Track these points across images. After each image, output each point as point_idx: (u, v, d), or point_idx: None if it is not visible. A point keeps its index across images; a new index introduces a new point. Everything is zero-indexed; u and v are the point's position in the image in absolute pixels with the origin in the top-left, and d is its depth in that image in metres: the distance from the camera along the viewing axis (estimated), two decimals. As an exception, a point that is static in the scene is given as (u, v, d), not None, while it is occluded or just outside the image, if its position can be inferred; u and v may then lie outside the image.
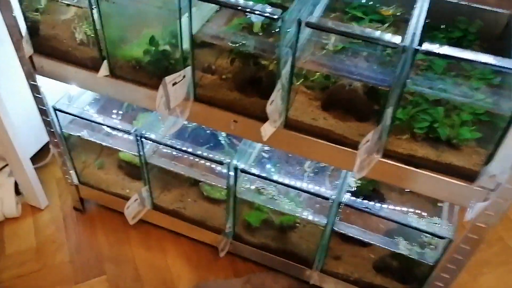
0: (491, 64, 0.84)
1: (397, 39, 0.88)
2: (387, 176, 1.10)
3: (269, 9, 0.94)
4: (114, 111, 1.62)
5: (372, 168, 1.07)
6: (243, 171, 1.32)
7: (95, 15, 1.13)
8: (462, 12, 1.17)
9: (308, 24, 0.92)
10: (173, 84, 1.11)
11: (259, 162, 1.44)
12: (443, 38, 1.14)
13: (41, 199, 1.77)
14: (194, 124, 1.57)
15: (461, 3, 1.13)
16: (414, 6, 1.03)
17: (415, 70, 0.92)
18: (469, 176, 1.01)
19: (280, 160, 1.47)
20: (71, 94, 1.52)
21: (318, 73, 1.12)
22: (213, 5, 1.09)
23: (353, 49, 1.03)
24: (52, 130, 1.52)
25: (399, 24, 1.16)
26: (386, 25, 1.15)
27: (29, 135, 1.69)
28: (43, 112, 1.47)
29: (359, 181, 1.36)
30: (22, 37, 1.28)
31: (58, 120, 1.49)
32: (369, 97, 1.06)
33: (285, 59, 1.01)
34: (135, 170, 1.62)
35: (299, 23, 0.92)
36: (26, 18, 1.25)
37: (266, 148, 1.48)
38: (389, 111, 0.99)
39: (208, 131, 1.58)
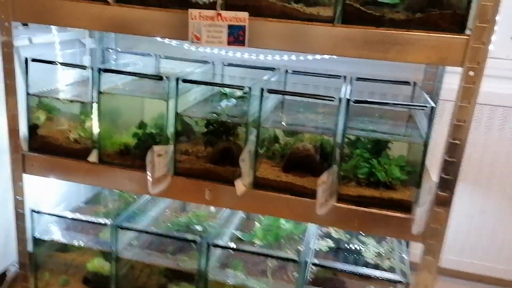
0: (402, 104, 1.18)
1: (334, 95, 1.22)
2: (342, 221, 1.29)
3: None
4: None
5: (329, 215, 1.27)
6: (215, 245, 1.43)
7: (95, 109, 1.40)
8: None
9: (270, 91, 1.26)
10: (158, 156, 1.33)
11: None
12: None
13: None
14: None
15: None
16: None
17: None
18: (407, 207, 1.24)
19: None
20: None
21: (277, 144, 1.40)
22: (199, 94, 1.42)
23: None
24: (23, 237, 1.57)
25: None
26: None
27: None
28: (19, 217, 1.56)
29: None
30: (20, 139, 1.48)
31: (32, 224, 1.56)
32: (320, 154, 1.33)
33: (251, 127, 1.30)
34: (103, 282, 1.63)
35: (262, 90, 1.25)
36: (29, 122, 1.48)
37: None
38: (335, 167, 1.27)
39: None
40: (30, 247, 1.61)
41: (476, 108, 1.79)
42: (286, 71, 1.67)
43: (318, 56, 1.72)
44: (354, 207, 1.27)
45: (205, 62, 1.71)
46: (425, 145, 1.19)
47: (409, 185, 1.29)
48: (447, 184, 1.16)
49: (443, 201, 1.18)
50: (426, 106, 1.17)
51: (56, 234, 1.64)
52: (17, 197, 1.54)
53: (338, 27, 1.15)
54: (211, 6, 1.22)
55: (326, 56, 1.69)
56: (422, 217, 1.17)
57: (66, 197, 1.81)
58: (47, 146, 1.48)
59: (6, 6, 1.35)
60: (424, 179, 1.24)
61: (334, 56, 1.58)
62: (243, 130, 1.33)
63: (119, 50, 1.90)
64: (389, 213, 1.25)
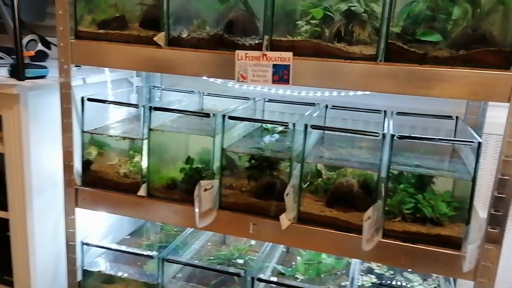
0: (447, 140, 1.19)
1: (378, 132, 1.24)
2: (389, 258, 1.28)
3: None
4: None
5: (375, 251, 1.27)
6: (259, 279, 1.44)
7: (144, 145, 1.46)
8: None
9: (313, 127, 1.29)
10: (205, 190, 1.37)
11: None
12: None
13: None
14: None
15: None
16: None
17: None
18: (456, 244, 1.22)
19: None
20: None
21: (320, 179, 1.42)
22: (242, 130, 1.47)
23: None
24: (73, 268, 1.63)
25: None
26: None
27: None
28: (71, 249, 1.62)
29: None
30: (74, 174, 1.55)
31: (82, 256, 1.62)
32: (363, 189, 1.34)
33: (295, 161, 1.33)
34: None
35: (306, 126, 1.28)
36: (82, 158, 1.56)
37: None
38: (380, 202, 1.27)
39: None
40: (79, 278, 1.66)
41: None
42: (326, 106, 1.70)
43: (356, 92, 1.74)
44: (400, 243, 1.26)
45: (246, 98, 1.76)
46: (473, 181, 1.18)
47: (456, 221, 1.27)
48: (498, 220, 1.14)
49: (494, 238, 1.16)
50: (473, 142, 1.17)
51: (103, 266, 1.69)
52: (69, 230, 1.60)
53: (381, 65, 1.18)
54: (257, 47, 1.27)
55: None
56: (473, 255, 1.15)
57: (112, 229, 1.87)
58: (98, 181, 1.55)
59: (66, 50, 1.45)
60: (472, 215, 1.23)
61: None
62: (287, 165, 1.35)
63: (164, 87, 1.98)
64: (437, 249, 1.23)
